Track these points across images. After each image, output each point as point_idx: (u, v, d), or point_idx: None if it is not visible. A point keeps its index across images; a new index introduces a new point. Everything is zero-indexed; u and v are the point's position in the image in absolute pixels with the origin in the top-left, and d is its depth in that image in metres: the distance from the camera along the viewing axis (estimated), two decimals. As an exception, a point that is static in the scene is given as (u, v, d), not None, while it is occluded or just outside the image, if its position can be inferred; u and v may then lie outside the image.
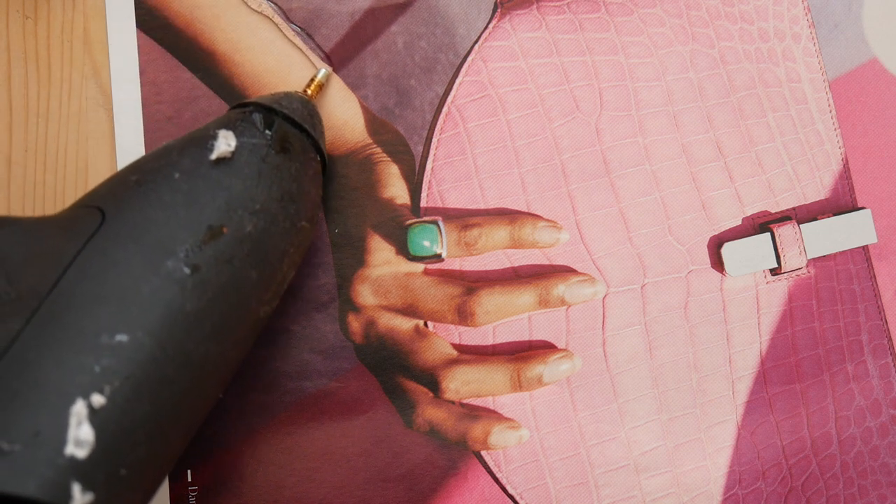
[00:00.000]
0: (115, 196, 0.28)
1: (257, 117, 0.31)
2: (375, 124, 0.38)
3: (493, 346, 0.37)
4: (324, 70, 0.37)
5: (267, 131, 0.31)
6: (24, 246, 0.26)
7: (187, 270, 0.27)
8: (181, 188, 0.28)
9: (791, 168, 0.39)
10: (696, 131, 0.38)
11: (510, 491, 0.37)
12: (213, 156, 0.29)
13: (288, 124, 0.32)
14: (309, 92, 0.36)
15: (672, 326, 0.38)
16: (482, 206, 0.38)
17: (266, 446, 0.36)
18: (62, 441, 0.23)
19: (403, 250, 0.37)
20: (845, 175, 0.39)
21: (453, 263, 0.37)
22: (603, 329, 0.37)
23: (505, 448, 0.37)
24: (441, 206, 0.37)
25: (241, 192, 0.29)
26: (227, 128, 0.30)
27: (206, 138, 0.30)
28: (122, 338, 0.25)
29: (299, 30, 0.39)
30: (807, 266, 0.38)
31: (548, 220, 0.37)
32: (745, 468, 0.37)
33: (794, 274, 0.38)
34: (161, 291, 0.26)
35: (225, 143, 0.30)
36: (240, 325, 0.28)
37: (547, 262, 0.38)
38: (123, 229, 0.27)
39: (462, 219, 0.37)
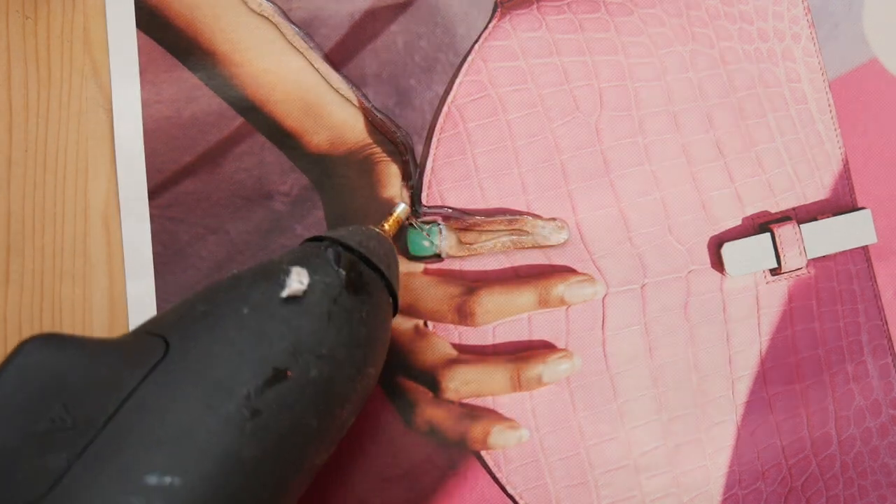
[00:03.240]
0: (180, 326, 0.27)
1: (332, 254, 0.30)
2: (375, 124, 0.38)
3: (493, 346, 0.37)
4: (403, 205, 0.36)
5: (341, 270, 0.30)
6: (83, 370, 0.25)
7: (247, 414, 0.25)
8: (248, 325, 0.27)
9: (791, 168, 0.39)
10: (696, 131, 0.38)
11: (510, 491, 0.37)
12: (285, 293, 0.28)
13: (363, 264, 0.31)
14: (386, 227, 0.35)
15: (672, 326, 0.38)
16: (482, 206, 0.38)
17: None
18: None
19: (403, 250, 0.37)
20: (845, 175, 0.39)
21: (453, 263, 0.37)
22: (603, 329, 0.37)
23: (504, 448, 0.36)
24: (441, 206, 0.37)
25: (309, 334, 0.27)
26: (301, 264, 0.29)
27: (277, 272, 0.28)
28: (174, 481, 0.23)
29: (299, 30, 0.39)
30: (807, 266, 0.38)
31: (548, 220, 0.37)
32: (745, 468, 0.37)
33: (794, 274, 0.38)
34: (219, 435, 0.25)
35: (297, 280, 0.28)
36: (296, 474, 0.27)
37: (547, 262, 0.38)
38: (186, 364, 0.25)
39: (462, 219, 0.37)
